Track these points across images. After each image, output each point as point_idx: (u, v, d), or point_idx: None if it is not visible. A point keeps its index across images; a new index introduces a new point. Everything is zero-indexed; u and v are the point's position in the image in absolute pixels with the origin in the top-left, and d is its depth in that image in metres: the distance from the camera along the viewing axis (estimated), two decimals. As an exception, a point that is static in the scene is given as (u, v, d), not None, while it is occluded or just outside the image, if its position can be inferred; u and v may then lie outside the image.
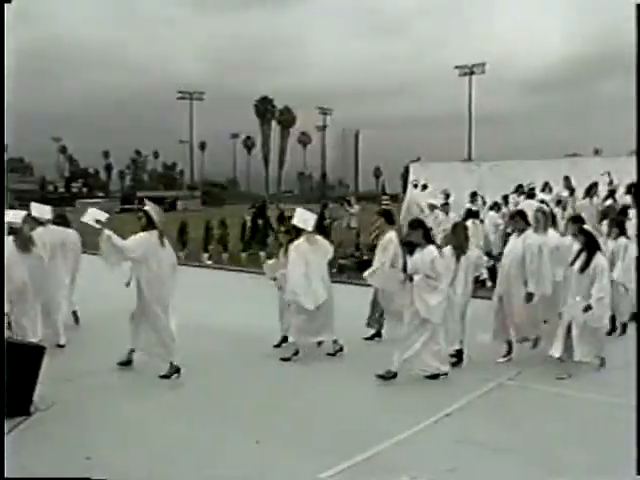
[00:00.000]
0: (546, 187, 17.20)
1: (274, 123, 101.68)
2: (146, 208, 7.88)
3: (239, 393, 7.34)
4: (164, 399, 7.16)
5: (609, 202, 14.56)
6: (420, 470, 5.36)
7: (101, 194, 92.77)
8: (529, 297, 8.47)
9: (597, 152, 42.11)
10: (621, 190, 15.56)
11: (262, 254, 18.02)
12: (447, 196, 17.86)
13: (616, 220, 10.35)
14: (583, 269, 7.96)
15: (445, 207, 17.23)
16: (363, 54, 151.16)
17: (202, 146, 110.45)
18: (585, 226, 8.37)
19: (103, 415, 6.56)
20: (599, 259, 7.98)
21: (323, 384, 7.69)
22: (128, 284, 7.86)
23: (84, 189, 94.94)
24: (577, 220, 9.07)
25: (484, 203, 17.34)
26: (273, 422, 6.43)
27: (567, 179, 16.97)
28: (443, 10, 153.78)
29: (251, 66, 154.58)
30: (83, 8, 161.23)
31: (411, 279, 7.61)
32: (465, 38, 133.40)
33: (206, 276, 17.58)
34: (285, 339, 9.09)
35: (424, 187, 19.50)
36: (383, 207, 14.98)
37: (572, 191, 16.55)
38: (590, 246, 8.07)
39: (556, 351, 7.95)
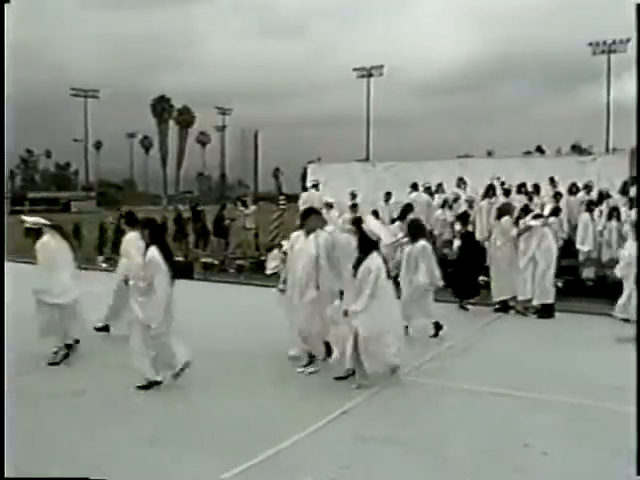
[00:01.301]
0: (440, 187, 17.66)
1: (172, 122, 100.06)
2: None
3: (128, 397, 7.15)
4: (52, 406, 6.88)
5: (506, 200, 15.17)
6: (317, 468, 5.40)
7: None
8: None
9: (490, 154, 43.54)
10: (514, 190, 16.26)
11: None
12: (354, 196, 18.09)
13: (414, 226, 10.42)
14: (355, 271, 7.44)
15: (354, 208, 17.48)
16: (263, 54, 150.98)
17: (97, 145, 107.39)
18: (364, 225, 7.69)
19: None
20: (371, 261, 7.37)
21: (214, 387, 7.58)
22: None
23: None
24: (355, 221, 8.49)
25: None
26: (166, 427, 6.31)
27: (461, 180, 17.51)
28: (343, 12, 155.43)
29: (149, 64, 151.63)
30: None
31: (126, 282, 7.54)
32: (365, 40, 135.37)
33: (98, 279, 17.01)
34: None
35: (315, 187, 19.59)
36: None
37: (464, 189, 17.13)
38: (364, 247, 7.51)
39: (346, 362, 7.49)
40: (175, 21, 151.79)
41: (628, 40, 58.38)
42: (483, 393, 7.35)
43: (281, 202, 20.15)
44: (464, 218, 13.49)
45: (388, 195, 17.65)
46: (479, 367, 8.39)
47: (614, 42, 58.86)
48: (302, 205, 19.62)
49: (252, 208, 19.75)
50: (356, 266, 7.43)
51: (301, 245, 8.16)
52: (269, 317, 9.17)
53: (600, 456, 5.66)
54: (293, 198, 23.04)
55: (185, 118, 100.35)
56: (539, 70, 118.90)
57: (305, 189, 20.28)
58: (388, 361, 7.48)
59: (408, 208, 14.33)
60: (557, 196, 15.41)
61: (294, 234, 8.47)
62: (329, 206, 17.92)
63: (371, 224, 7.78)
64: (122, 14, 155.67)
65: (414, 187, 17.65)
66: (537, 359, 8.76)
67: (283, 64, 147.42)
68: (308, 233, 8.17)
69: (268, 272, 9.23)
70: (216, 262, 17.61)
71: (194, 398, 7.19)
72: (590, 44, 59.91)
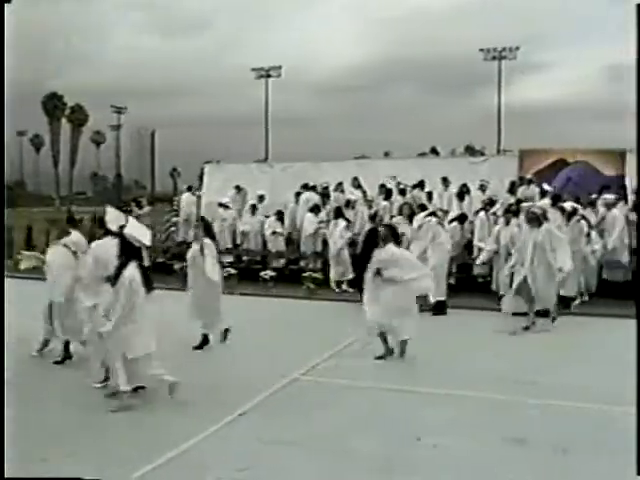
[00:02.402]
0: (339, 187, 17.76)
1: (64, 121, 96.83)
2: None
3: (21, 406, 6.72)
4: None
5: (403, 200, 15.61)
6: (217, 471, 5.36)
7: None
8: None
9: (387, 154, 44.31)
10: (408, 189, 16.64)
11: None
12: (262, 198, 18.03)
13: (202, 225, 10.10)
14: (114, 282, 6.83)
15: (254, 209, 17.45)
16: (161, 51, 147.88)
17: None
18: (126, 230, 7.08)
19: None
20: (127, 271, 6.75)
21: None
22: None
23: None
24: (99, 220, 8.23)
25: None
26: (65, 435, 6.12)
27: (355, 179, 17.71)
28: (243, 11, 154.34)
29: (40, 61, 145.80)
30: None
31: None
32: (264, 40, 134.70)
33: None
34: None
35: (189, 188, 19.47)
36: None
37: (364, 192, 17.32)
38: (124, 254, 6.89)
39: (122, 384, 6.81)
40: (68, 16, 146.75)
41: (517, 48, 60.82)
42: (381, 390, 7.45)
43: (175, 203, 19.80)
44: (374, 219, 13.69)
45: (298, 195, 17.72)
46: (377, 364, 8.51)
47: (504, 49, 61.00)
48: (183, 207, 19.51)
49: (146, 209, 19.20)
50: (116, 275, 6.80)
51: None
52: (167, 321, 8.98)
53: (492, 446, 5.83)
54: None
55: (78, 116, 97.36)
56: (435, 73, 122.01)
57: (190, 189, 20.12)
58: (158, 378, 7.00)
59: (340, 209, 15.34)
60: (461, 196, 15.94)
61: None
62: (225, 207, 17.83)
63: (129, 227, 7.13)
64: (12, 8, 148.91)
65: (305, 187, 17.77)
66: (433, 355, 8.93)
67: (181, 62, 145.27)
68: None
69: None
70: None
71: (94, 402, 6.97)
72: (481, 50, 61.83)
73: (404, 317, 8.62)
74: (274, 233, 16.94)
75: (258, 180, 19.57)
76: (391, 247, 8.76)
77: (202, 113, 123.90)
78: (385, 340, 8.77)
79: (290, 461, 5.56)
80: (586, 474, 5.27)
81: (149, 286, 6.94)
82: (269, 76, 71.32)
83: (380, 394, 7.33)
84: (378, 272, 8.62)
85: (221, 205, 17.96)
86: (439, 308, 11.86)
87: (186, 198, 19.56)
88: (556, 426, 6.29)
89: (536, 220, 10.90)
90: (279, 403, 7.10)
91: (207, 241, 9.52)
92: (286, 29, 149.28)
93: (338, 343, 9.43)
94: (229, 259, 16.79)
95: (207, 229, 9.94)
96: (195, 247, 9.59)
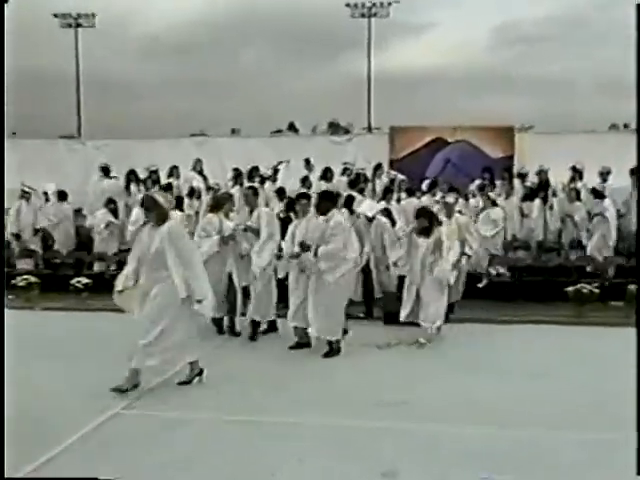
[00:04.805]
0: (174, 172, 17.59)
1: None
2: None
3: None
4: None
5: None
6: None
7: None
8: None
9: (235, 132, 44.42)
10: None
11: None
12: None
13: None
14: None
15: (62, 195, 17.14)
16: None
17: None
18: None
19: None
20: None
21: None
22: None
23: None
24: None
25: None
26: None
27: (199, 161, 17.65)
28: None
29: None
30: None
31: None
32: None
33: None
34: None
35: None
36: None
37: (204, 177, 17.37)
38: None
39: None
40: None
41: (390, 4, 62.44)
42: (219, 422, 7.54)
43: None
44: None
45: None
46: (212, 393, 8.54)
47: (374, 5, 62.32)
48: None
49: None
50: None
51: None
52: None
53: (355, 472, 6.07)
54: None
55: None
56: (294, 32, 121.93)
57: None
58: None
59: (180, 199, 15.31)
60: (325, 177, 16.33)
61: None
62: (25, 194, 17.33)
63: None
64: None
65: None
66: (281, 378, 9.12)
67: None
68: None
69: None
70: None
71: None
72: (348, 5, 62.89)
73: None
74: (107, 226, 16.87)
75: (66, 160, 19.15)
76: None
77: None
78: None
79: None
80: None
81: None
82: (79, 25, 69.10)
83: (219, 426, 7.42)
84: None
85: (24, 193, 17.44)
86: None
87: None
88: (429, 453, 6.56)
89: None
90: (98, 442, 7.01)
91: None
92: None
93: (165, 371, 9.04)
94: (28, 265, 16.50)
95: None
96: None
